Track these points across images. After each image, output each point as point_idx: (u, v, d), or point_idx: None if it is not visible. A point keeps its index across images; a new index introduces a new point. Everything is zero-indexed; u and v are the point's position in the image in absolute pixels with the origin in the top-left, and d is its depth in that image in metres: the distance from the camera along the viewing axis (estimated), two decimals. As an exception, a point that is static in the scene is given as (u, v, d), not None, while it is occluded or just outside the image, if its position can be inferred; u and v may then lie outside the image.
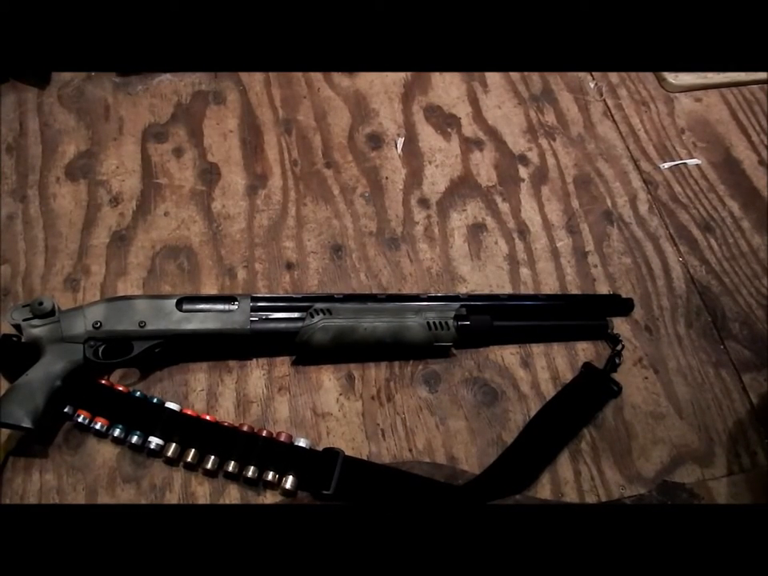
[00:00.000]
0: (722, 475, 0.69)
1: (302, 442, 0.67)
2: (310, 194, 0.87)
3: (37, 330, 0.67)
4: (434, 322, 0.71)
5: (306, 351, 0.71)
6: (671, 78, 0.97)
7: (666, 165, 0.91)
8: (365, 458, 0.68)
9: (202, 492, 0.66)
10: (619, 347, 0.75)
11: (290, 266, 0.80)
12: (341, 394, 0.72)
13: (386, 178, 0.88)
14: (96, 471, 0.67)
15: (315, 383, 0.73)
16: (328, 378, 0.73)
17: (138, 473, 0.67)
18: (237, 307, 0.69)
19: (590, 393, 0.73)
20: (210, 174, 0.88)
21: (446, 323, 0.71)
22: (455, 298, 0.74)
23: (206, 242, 0.82)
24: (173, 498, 0.66)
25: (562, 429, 0.70)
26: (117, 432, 0.67)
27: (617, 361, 0.74)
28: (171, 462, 0.67)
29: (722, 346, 0.76)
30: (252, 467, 0.65)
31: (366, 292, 0.78)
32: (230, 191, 0.86)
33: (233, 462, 0.66)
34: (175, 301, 0.69)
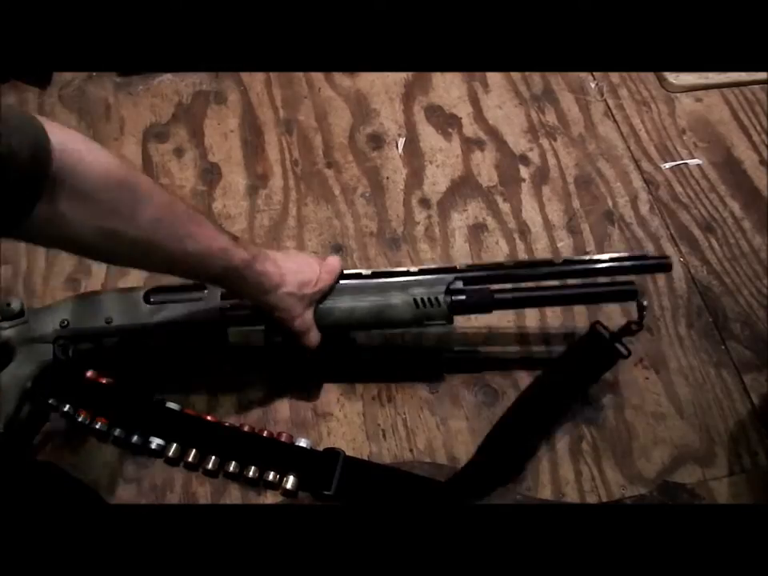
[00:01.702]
0: (723, 475, 0.68)
1: (302, 443, 0.67)
2: (310, 194, 0.87)
3: (6, 331, 0.65)
4: (422, 299, 0.64)
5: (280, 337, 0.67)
6: (672, 78, 0.97)
7: (667, 165, 0.91)
8: (365, 458, 0.68)
9: (203, 492, 0.66)
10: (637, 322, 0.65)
11: (290, 266, 0.80)
12: (341, 394, 0.72)
13: (387, 178, 0.88)
14: (97, 471, 0.67)
15: (316, 383, 0.73)
16: (329, 378, 0.73)
17: (138, 473, 0.67)
18: (207, 295, 0.66)
19: (593, 357, 0.66)
20: (210, 173, 0.88)
21: (436, 299, 0.64)
22: (450, 270, 0.66)
23: (206, 242, 0.81)
24: (173, 498, 0.66)
25: (560, 396, 0.68)
26: (117, 432, 0.67)
27: (633, 327, 0.64)
28: (172, 462, 0.67)
29: (723, 347, 0.76)
30: (253, 467, 0.65)
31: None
32: (231, 191, 0.86)
33: (233, 462, 0.66)
34: (143, 293, 0.66)
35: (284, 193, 0.87)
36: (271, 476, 0.65)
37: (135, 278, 0.78)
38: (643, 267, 0.68)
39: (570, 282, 0.70)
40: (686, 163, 0.91)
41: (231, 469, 0.65)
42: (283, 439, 0.67)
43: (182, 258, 0.52)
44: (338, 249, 0.82)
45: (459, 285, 0.65)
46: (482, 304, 0.66)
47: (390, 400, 0.72)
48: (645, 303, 0.63)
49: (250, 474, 0.65)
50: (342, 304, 0.65)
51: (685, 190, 0.88)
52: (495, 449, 0.67)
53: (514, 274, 0.67)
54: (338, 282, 0.66)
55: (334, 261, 0.66)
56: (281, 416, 0.71)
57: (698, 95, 0.97)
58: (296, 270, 0.62)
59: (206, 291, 0.66)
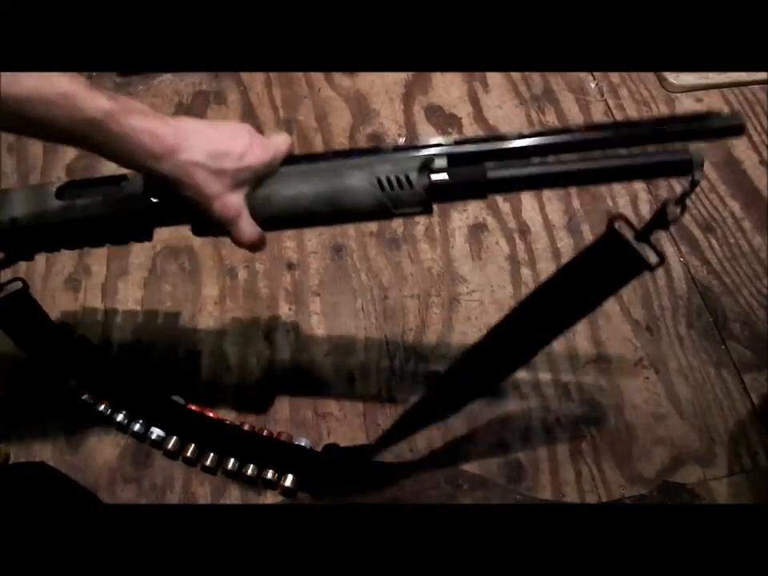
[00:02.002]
0: (723, 475, 0.69)
1: (302, 442, 0.67)
2: (310, 194, 0.87)
3: None
4: (389, 178, 0.50)
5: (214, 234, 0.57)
6: (672, 78, 0.97)
7: (667, 165, 0.90)
8: (366, 458, 0.68)
9: (203, 492, 0.66)
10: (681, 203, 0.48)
11: (290, 266, 0.80)
12: (341, 394, 0.72)
13: (387, 178, 0.88)
14: (96, 471, 0.67)
15: (316, 383, 0.73)
16: (329, 378, 0.73)
17: (138, 473, 0.67)
18: (126, 185, 0.55)
19: (608, 263, 0.50)
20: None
21: (407, 178, 0.50)
22: (430, 146, 0.52)
23: (206, 243, 0.82)
24: (173, 498, 0.66)
25: (560, 313, 0.54)
26: (120, 417, 0.67)
27: (670, 216, 0.48)
28: (171, 456, 0.67)
29: (723, 347, 0.76)
30: (251, 465, 0.65)
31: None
32: (231, 191, 0.86)
33: (232, 460, 0.65)
34: (55, 189, 0.55)
35: (284, 193, 0.87)
36: (270, 474, 0.65)
37: (135, 278, 0.78)
38: (705, 132, 0.50)
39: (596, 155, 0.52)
40: (686, 163, 0.91)
41: (230, 466, 0.65)
42: (283, 439, 0.67)
43: None
44: (338, 249, 0.82)
45: (442, 163, 0.51)
46: (470, 185, 0.51)
47: (390, 400, 0.72)
48: (699, 180, 0.48)
49: (249, 472, 0.65)
50: (285, 189, 0.52)
51: (685, 190, 0.88)
52: (474, 365, 0.58)
53: (517, 149, 0.51)
54: (281, 164, 0.53)
55: (278, 138, 0.53)
56: (281, 416, 0.71)
57: (698, 95, 0.97)
58: (208, 135, 0.50)
59: (123, 183, 0.55)
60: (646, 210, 0.86)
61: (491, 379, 0.59)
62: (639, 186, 0.88)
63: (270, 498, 0.66)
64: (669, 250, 0.83)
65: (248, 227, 0.52)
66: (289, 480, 0.65)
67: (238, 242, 0.53)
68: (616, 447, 0.70)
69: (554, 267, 0.81)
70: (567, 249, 0.83)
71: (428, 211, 0.52)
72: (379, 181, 0.51)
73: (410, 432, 0.64)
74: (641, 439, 0.70)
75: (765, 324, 0.78)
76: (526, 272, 0.81)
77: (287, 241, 0.82)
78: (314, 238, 0.83)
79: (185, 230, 0.82)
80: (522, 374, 0.74)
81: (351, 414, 0.71)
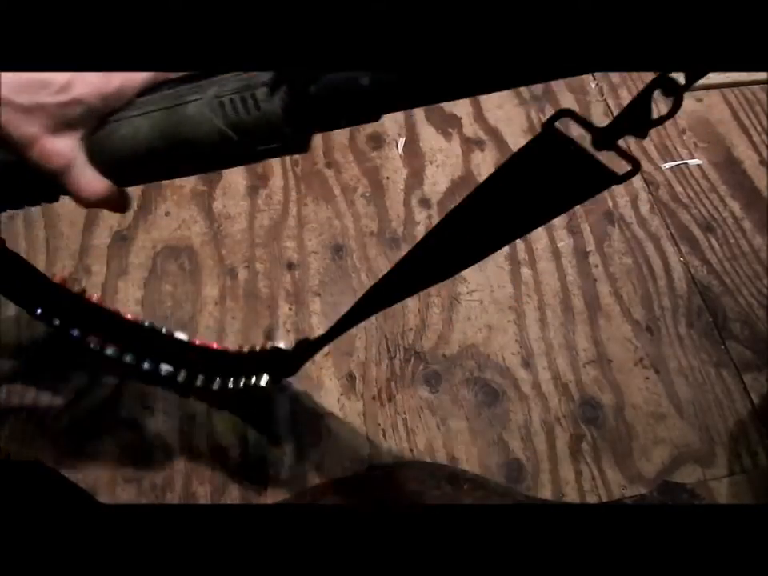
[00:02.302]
0: (723, 475, 0.69)
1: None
2: (311, 193, 0.87)
3: None
4: (233, 100, 0.39)
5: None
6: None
7: (667, 165, 0.91)
8: (365, 458, 0.68)
9: (203, 492, 0.66)
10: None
11: (290, 266, 0.80)
12: (342, 394, 0.72)
13: (387, 178, 0.88)
14: (96, 471, 0.67)
15: (315, 383, 0.73)
16: (329, 378, 0.73)
17: (138, 473, 0.67)
18: None
19: (559, 173, 0.37)
20: (210, 173, 0.88)
21: (253, 97, 0.39)
22: None
23: (207, 242, 0.82)
24: (173, 498, 0.66)
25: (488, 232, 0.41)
26: (129, 359, 0.65)
27: (652, 113, 0.35)
28: (182, 390, 0.67)
29: (722, 347, 0.76)
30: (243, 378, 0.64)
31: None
32: (231, 191, 0.86)
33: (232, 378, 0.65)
34: None
35: (284, 193, 0.87)
36: (253, 380, 0.64)
37: (135, 278, 0.78)
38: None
39: None
40: (686, 163, 0.91)
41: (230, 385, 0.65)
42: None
43: None
44: (338, 249, 0.82)
45: (329, 77, 0.37)
46: (339, 98, 0.38)
47: (390, 400, 0.72)
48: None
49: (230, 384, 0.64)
50: (126, 126, 0.41)
51: (685, 190, 0.88)
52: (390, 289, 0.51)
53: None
54: (140, 95, 0.42)
55: None
56: (280, 414, 0.71)
57: (698, 95, 0.97)
58: None
59: None
60: (645, 210, 0.86)
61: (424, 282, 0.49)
62: (639, 185, 0.88)
63: (270, 497, 0.66)
64: (669, 249, 0.83)
65: (87, 179, 0.41)
66: (263, 379, 0.64)
67: (79, 200, 0.42)
68: (616, 447, 0.70)
69: (553, 267, 0.81)
70: (567, 249, 0.83)
71: (295, 146, 0.38)
72: (222, 105, 0.39)
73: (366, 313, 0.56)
74: (641, 439, 0.70)
75: (765, 324, 0.78)
76: (525, 272, 0.81)
77: (287, 241, 0.82)
78: (315, 238, 0.83)
79: (185, 230, 0.82)
80: (522, 374, 0.74)
81: (351, 414, 0.71)
